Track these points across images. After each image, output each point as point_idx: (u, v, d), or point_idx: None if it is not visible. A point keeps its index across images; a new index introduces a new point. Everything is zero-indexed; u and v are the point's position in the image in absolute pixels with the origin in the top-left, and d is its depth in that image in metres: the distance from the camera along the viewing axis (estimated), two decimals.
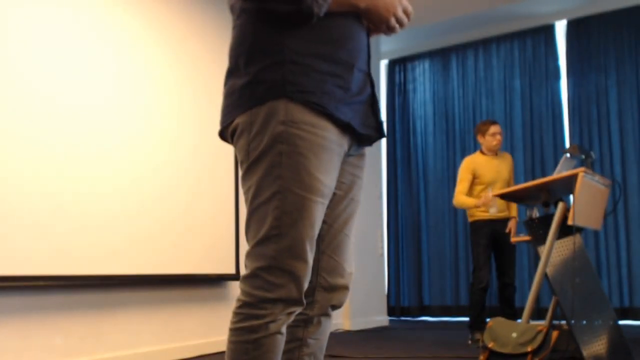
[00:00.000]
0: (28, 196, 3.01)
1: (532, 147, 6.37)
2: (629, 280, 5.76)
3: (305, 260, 1.28)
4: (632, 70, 5.95)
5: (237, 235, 4.30)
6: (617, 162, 5.93)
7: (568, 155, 3.41)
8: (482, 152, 4.57)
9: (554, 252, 3.25)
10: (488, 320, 3.37)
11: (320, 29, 1.31)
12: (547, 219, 3.30)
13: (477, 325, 4.34)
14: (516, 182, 5.84)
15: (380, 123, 1.43)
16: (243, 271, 1.33)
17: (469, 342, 4.40)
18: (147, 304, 3.69)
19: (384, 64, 7.42)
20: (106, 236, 3.37)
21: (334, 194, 1.41)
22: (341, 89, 1.32)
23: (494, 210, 4.27)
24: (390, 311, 6.93)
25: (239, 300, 1.30)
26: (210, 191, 4.14)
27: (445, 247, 6.83)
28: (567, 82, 6.27)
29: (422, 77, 7.25)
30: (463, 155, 6.71)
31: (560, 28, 6.40)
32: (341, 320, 5.69)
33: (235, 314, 1.30)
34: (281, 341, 1.30)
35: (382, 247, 6.54)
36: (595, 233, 5.90)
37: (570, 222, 3.00)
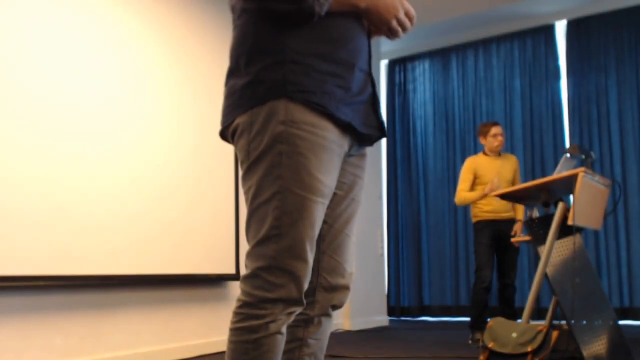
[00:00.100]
0: (28, 196, 3.01)
1: (532, 147, 6.37)
2: (629, 280, 5.76)
3: (305, 260, 1.28)
4: (632, 70, 5.95)
5: (237, 235, 4.30)
6: (617, 162, 5.93)
7: (568, 155, 3.41)
8: (484, 153, 4.60)
9: (554, 252, 3.24)
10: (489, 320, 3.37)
11: (321, 29, 1.31)
12: (547, 219, 3.30)
13: (478, 325, 4.35)
14: None
15: (382, 122, 1.43)
16: (243, 271, 1.33)
17: (469, 341, 4.40)
18: (147, 304, 3.69)
19: (384, 64, 7.42)
20: (106, 236, 3.37)
21: (335, 194, 1.41)
22: (342, 88, 1.32)
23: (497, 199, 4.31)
24: (390, 311, 6.93)
25: (239, 300, 1.30)
26: (210, 191, 4.14)
27: (445, 247, 6.83)
28: (567, 82, 6.27)
29: (422, 77, 7.25)
30: (463, 155, 6.73)
31: (560, 28, 6.40)
32: (341, 320, 5.69)
33: (236, 313, 1.30)
34: (281, 341, 1.30)
35: (382, 247, 6.54)
36: (595, 233, 5.90)
37: (570, 222, 3.00)
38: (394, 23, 1.39)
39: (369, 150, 1.51)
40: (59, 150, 3.18)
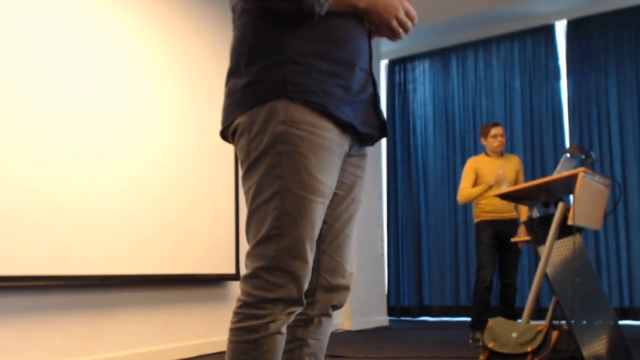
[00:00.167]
0: (28, 196, 3.00)
1: (532, 147, 6.38)
2: (629, 280, 5.76)
3: (305, 260, 1.28)
4: (632, 70, 5.95)
5: (237, 235, 4.30)
6: (617, 162, 5.93)
7: (568, 155, 3.41)
8: (486, 154, 4.64)
9: (554, 252, 3.24)
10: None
11: (321, 29, 1.31)
12: (547, 219, 3.30)
13: (479, 324, 4.35)
14: None
15: (383, 122, 1.43)
16: (243, 271, 1.33)
17: (470, 341, 4.41)
18: (147, 304, 3.69)
19: (384, 64, 7.42)
20: (106, 236, 3.37)
21: (335, 194, 1.41)
22: (342, 88, 1.32)
23: (505, 186, 4.30)
24: (390, 311, 6.93)
25: (239, 300, 1.30)
26: (210, 191, 4.14)
27: (445, 247, 6.83)
28: (567, 82, 6.27)
29: (422, 77, 7.25)
30: (463, 155, 6.73)
31: (560, 28, 6.40)
32: (341, 320, 5.69)
33: (236, 313, 1.30)
34: (281, 341, 1.30)
35: (382, 247, 6.54)
36: (595, 233, 5.90)
37: (570, 222, 3.00)
38: (394, 23, 1.39)
39: (369, 150, 1.51)
40: (59, 150, 3.18)
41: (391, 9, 1.37)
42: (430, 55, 7.18)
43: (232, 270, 4.24)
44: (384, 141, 7.26)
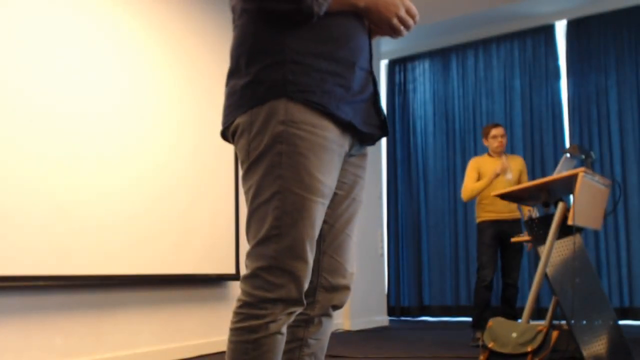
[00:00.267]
0: (28, 196, 3.00)
1: (532, 147, 6.38)
2: (629, 280, 5.76)
3: (305, 261, 1.28)
4: (632, 70, 5.95)
5: (237, 235, 4.30)
6: (617, 162, 5.93)
7: (568, 155, 3.41)
8: (489, 155, 4.66)
9: (554, 252, 3.24)
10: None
11: (321, 28, 1.31)
12: (547, 219, 3.30)
13: (480, 324, 4.35)
14: None
15: (384, 121, 1.43)
16: (243, 271, 1.33)
17: (471, 341, 4.41)
18: (147, 304, 3.69)
19: (384, 64, 7.42)
20: (106, 236, 3.37)
21: (335, 194, 1.41)
22: (342, 87, 1.32)
23: (510, 176, 4.29)
24: (390, 311, 6.93)
25: (239, 300, 1.30)
26: (210, 191, 4.14)
27: (445, 247, 6.83)
28: (567, 82, 6.27)
29: (422, 77, 7.24)
30: (463, 155, 6.74)
31: (560, 28, 6.40)
32: (341, 320, 5.69)
33: (236, 313, 1.30)
34: (281, 341, 1.30)
35: (382, 247, 6.54)
36: (595, 233, 5.90)
37: (570, 222, 3.00)
38: (395, 21, 1.38)
39: (369, 150, 1.50)
40: (59, 150, 3.18)
41: (391, 7, 1.37)
42: (430, 55, 7.18)
43: (232, 270, 4.24)
44: (384, 141, 7.26)
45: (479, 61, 6.83)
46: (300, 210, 1.26)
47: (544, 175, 6.17)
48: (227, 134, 1.38)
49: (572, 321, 3.09)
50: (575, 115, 6.19)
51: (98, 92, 3.44)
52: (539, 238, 3.33)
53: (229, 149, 4.24)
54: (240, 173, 1.35)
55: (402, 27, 1.40)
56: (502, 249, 4.52)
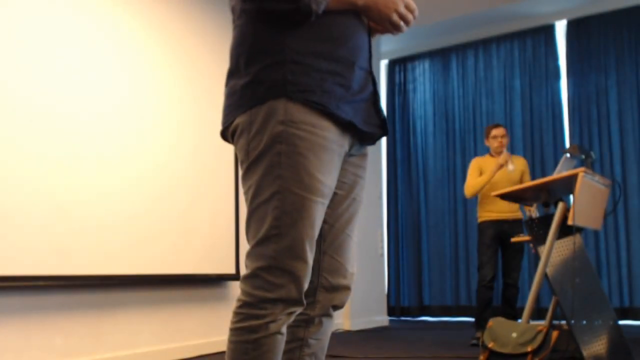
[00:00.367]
0: (28, 196, 3.00)
1: (532, 147, 6.37)
2: (629, 280, 5.76)
3: (305, 261, 1.28)
4: (632, 70, 5.94)
5: (237, 235, 4.30)
6: (617, 162, 5.93)
7: (568, 155, 3.41)
8: (490, 155, 4.69)
9: (554, 252, 3.24)
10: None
11: (320, 28, 1.31)
12: (547, 219, 3.30)
13: (480, 323, 4.35)
14: None
15: (384, 120, 1.43)
16: (243, 271, 1.33)
17: (472, 341, 4.41)
18: (147, 304, 3.69)
19: (384, 64, 7.42)
20: (106, 236, 3.37)
21: (335, 194, 1.41)
22: (342, 87, 1.32)
23: (512, 167, 4.31)
24: (390, 311, 6.93)
25: (239, 300, 1.30)
26: (210, 191, 4.14)
27: (445, 247, 6.83)
28: (567, 82, 6.27)
29: (422, 77, 7.24)
30: (463, 155, 6.74)
31: (560, 28, 6.40)
32: (341, 320, 5.69)
33: (236, 313, 1.30)
34: (281, 341, 1.30)
35: (382, 247, 6.54)
36: (595, 233, 5.89)
37: (570, 222, 3.00)
38: (395, 17, 1.38)
39: (369, 150, 1.50)
40: (59, 150, 3.18)
41: (390, 3, 1.36)
42: (430, 55, 7.18)
43: (232, 270, 4.24)
44: (384, 141, 7.26)
45: (479, 61, 6.83)
46: (299, 210, 1.26)
47: (544, 175, 6.17)
48: (227, 134, 1.38)
49: (572, 321, 3.09)
50: (575, 115, 6.19)
51: (98, 92, 3.44)
52: (539, 238, 3.33)
53: (229, 149, 4.24)
54: (240, 173, 1.35)
55: (402, 23, 1.39)
56: (502, 249, 4.53)
